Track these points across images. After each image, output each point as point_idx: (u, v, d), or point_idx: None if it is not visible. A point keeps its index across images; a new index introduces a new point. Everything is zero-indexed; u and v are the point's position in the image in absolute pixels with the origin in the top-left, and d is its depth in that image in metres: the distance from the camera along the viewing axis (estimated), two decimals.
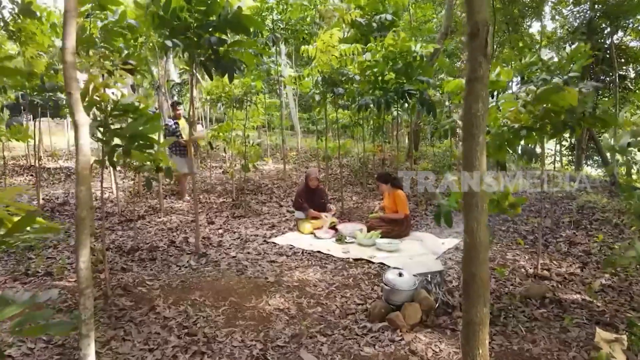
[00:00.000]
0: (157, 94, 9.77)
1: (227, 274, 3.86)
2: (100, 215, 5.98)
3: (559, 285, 3.77)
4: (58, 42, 5.45)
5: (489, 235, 3.27)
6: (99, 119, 3.27)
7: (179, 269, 3.99)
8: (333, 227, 5.30)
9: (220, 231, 5.38)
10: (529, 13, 16.34)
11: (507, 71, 6.16)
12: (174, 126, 6.80)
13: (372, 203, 6.94)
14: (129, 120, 3.44)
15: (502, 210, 3.35)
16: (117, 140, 3.43)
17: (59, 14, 5.58)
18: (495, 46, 16.43)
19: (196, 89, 11.01)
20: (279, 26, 8.41)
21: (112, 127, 3.33)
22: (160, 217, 5.95)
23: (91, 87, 3.09)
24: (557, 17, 18.80)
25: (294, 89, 14.43)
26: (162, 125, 6.13)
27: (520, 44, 14.57)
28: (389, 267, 4.07)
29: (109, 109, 3.24)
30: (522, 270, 4.08)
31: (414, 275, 3.43)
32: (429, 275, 3.61)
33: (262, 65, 11.17)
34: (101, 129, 3.25)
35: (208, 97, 8.76)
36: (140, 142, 3.42)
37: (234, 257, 4.35)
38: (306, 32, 8.72)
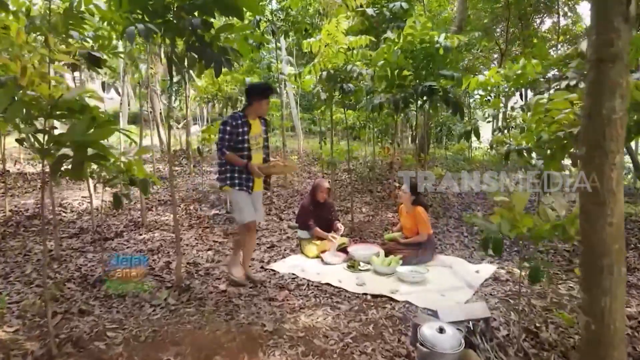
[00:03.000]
0: (149, 94, 8.99)
1: (213, 318, 3.04)
2: (70, 233, 5.19)
3: (636, 333, 2.95)
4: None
5: (544, 273, 2.46)
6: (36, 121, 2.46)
7: (153, 310, 3.16)
8: (343, 248, 4.48)
9: (210, 253, 4.56)
10: (541, 8, 15.54)
11: (535, 64, 5.34)
12: (240, 132, 3.57)
13: (384, 215, 6.12)
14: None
15: (568, 237, 2.52)
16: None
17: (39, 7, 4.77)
18: (506, 44, 15.61)
19: (191, 87, 10.21)
20: (278, 17, 7.58)
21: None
22: (141, 234, 5.13)
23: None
24: (569, 13, 18.02)
25: (294, 87, 13.63)
26: (223, 128, 3.57)
27: (535, 40, 13.78)
28: (416, 307, 3.25)
29: (49, 108, 2.43)
30: None
31: (456, 327, 2.62)
32: (472, 323, 2.81)
33: (262, 62, 10.38)
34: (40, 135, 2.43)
35: (201, 97, 7.98)
36: (95, 150, 2.62)
37: (223, 291, 3.53)
38: (308, 23, 7.89)
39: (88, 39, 4.54)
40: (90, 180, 4.62)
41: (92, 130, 2.48)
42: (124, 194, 3.42)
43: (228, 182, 3.62)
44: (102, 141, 2.65)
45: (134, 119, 16.78)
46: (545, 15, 16.99)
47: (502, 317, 3.10)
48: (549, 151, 3.90)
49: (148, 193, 3.56)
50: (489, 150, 11.37)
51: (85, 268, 4.03)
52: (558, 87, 4.90)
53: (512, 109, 5.58)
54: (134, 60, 8.07)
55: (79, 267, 4.04)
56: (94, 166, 3.44)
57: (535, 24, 16.92)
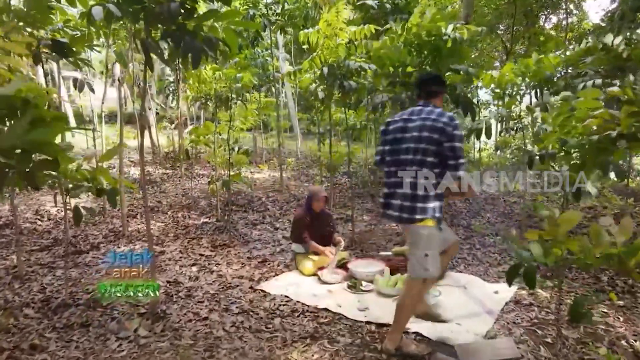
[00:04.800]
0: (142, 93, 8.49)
1: (189, 355, 2.56)
2: (42, 246, 4.71)
3: None
4: None
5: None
6: None
7: (119, 345, 2.68)
8: (342, 264, 4.00)
9: (195, 269, 4.08)
10: (547, 4, 15.11)
11: (554, 59, 4.88)
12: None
13: (388, 225, 5.64)
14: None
15: (626, 271, 2.03)
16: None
17: None
18: (511, 42, 15.16)
19: (184, 85, 9.73)
20: (274, 11, 7.11)
21: None
22: (120, 247, 4.66)
23: None
24: (575, 10, 17.61)
25: (293, 86, 13.16)
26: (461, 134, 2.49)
27: (542, 38, 13.33)
28: (429, 340, 2.77)
29: None
30: (624, 342, 2.79)
31: None
32: None
33: (258, 59, 9.92)
34: None
35: (194, 96, 7.51)
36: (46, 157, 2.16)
37: (204, 319, 3.05)
38: (305, 18, 7.43)
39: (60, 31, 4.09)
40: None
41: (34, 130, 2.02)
42: (87, 208, 2.95)
43: (436, 214, 2.48)
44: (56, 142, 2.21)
45: (129, 120, 16.35)
46: (550, 12, 16.58)
47: (530, 353, 2.63)
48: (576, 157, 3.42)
49: (116, 205, 3.10)
50: (495, 151, 10.92)
51: (50, 288, 3.56)
52: (582, 85, 4.46)
53: (528, 108, 5.09)
54: (122, 57, 7.61)
55: (43, 288, 3.57)
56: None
57: (540, 22, 16.50)
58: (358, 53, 4.71)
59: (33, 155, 2.16)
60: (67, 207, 3.42)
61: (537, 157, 3.89)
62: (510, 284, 2.09)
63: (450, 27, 4.43)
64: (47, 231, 5.23)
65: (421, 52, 4.61)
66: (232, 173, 5.26)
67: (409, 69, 4.80)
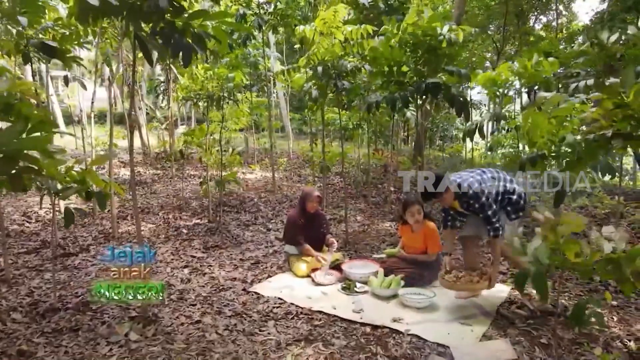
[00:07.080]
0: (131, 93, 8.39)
1: None
2: (30, 248, 4.62)
3: None
4: None
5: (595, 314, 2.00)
6: None
7: (110, 349, 2.62)
8: (336, 266, 3.96)
9: (186, 271, 4.02)
10: (537, 4, 15.21)
11: (552, 62, 4.90)
12: None
13: (381, 225, 5.62)
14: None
15: (621, 279, 2.00)
16: None
17: None
18: (502, 42, 15.24)
19: (175, 85, 9.64)
20: (266, 10, 7.06)
21: None
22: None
23: None
24: (564, 12, 17.78)
25: (284, 86, 13.10)
26: None
27: (532, 38, 13.42)
28: (424, 341, 2.75)
29: None
30: (619, 342, 2.79)
31: None
32: None
33: (249, 59, 9.86)
34: None
35: (184, 96, 7.43)
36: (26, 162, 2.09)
37: (197, 322, 3.00)
38: (299, 17, 7.39)
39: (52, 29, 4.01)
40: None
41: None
42: (76, 209, 2.89)
43: None
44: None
45: (119, 120, 16.23)
46: (540, 13, 16.72)
47: (526, 354, 2.61)
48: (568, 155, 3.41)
49: (105, 208, 3.04)
50: (487, 152, 10.96)
51: (38, 292, 3.48)
52: (575, 86, 4.48)
53: (523, 109, 5.11)
54: (107, 57, 7.51)
55: (31, 291, 3.49)
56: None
57: (530, 22, 16.63)
58: (354, 52, 4.68)
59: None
60: (56, 208, 3.36)
61: (529, 160, 3.89)
62: (521, 291, 2.06)
63: (446, 27, 4.43)
64: (35, 233, 5.13)
65: (416, 51, 4.59)
66: (225, 173, 5.20)
67: (404, 68, 4.79)
